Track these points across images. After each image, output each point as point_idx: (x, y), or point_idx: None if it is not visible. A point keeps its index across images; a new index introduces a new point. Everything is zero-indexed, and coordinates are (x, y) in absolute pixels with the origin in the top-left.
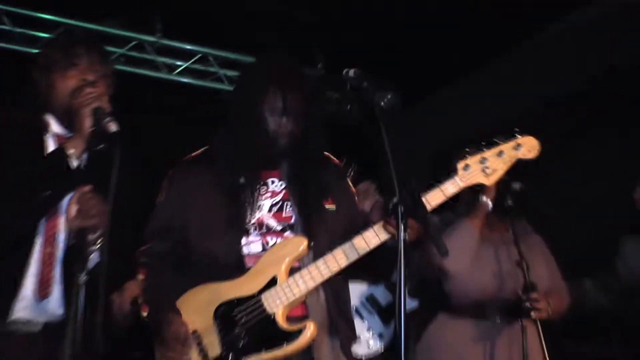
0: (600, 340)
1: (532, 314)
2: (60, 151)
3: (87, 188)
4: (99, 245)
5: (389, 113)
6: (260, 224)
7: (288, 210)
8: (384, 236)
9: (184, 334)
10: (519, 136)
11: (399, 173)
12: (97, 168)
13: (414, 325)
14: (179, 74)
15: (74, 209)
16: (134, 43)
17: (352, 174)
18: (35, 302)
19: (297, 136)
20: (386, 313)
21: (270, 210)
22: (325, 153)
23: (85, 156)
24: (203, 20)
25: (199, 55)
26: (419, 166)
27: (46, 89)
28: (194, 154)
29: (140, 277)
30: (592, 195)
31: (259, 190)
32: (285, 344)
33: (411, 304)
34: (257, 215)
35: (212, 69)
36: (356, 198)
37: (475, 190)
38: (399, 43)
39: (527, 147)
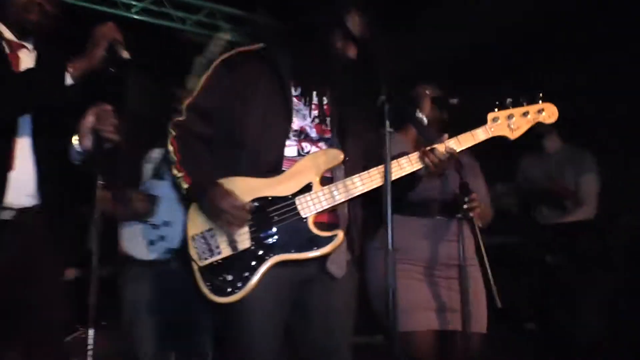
0: (506, 230)
1: (468, 211)
2: (62, 67)
3: (107, 106)
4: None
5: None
6: (301, 131)
7: (327, 125)
8: (417, 165)
9: (242, 203)
10: (541, 102)
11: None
12: (94, 88)
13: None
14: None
15: (90, 119)
16: None
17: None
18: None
19: (354, 63)
20: None
21: (313, 120)
22: None
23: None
24: None
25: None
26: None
27: (2, 1)
28: (248, 47)
29: (170, 148)
30: None
31: (308, 101)
32: (315, 249)
33: None
34: (301, 123)
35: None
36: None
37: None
38: None
39: (549, 112)
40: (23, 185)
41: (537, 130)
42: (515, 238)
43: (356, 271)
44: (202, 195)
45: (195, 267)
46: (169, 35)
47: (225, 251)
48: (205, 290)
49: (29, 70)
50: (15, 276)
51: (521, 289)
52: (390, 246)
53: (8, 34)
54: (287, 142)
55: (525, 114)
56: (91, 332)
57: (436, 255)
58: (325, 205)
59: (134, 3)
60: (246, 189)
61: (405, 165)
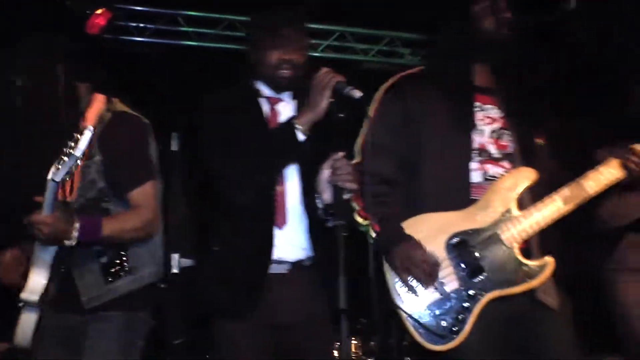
0: None
1: None
2: (289, 124)
3: (340, 154)
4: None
5: None
6: (481, 150)
7: (505, 139)
8: (618, 172)
9: (431, 258)
10: None
11: None
12: (324, 139)
13: None
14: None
15: (326, 173)
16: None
17: None
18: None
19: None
20: None
21: (490, 136)
22: None
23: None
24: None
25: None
26: None
27: (255, 61)
28: (409, 71)
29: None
30: None
31: (478, 115)
32: (528, 280)
33: None
34: (479, 140)
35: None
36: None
37: None
38: None
39: None
40: (296, 238)
41: None
42: None
43: (568, 297)
44: (391, 249)
45: (404, 315)
46: (354, 68)
47: (433, 295)
48: (419, 338)
49: (270, 133)
50: (289, 329)
51: None
52: None
53: (266, 91)
54: (472, 166)
55: None
56: None
57: None
58: (530, 231)
59: (319, 42)
60: (440, 225)
61: (605, 173)
